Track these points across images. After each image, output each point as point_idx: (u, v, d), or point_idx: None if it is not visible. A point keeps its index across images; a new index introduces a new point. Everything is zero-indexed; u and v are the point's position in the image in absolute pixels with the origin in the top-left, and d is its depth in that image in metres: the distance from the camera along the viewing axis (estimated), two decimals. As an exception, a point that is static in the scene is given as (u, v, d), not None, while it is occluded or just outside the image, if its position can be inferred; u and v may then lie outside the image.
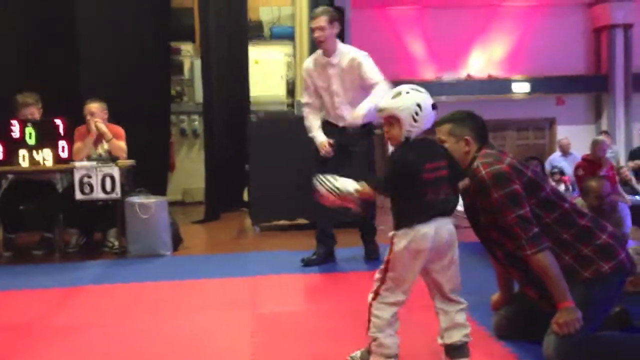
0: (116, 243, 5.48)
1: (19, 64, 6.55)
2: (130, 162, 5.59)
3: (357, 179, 2.68)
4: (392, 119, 2.54)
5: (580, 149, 10.82)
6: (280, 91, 9.05)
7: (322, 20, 4.48)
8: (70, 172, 5.15)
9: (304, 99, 4.80)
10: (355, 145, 4.61)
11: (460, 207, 6.21)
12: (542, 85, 11.90)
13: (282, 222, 6.47)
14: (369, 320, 2.54)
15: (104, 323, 3.50)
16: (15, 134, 5.16)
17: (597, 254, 2.63)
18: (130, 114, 6.57)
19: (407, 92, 2.54)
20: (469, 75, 11.95)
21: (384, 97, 4.34)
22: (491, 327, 3.01)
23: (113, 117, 5.77)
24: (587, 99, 12.35)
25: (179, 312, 3.67)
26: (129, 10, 7.49)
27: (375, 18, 11.20)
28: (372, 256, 4.80)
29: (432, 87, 12.03)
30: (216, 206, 7.42)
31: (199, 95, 8.68)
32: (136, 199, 5.31)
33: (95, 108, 5.60)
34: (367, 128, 4.66)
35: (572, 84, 11.94)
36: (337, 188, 2.61)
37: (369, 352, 2.58)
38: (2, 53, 6.54)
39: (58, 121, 5.21)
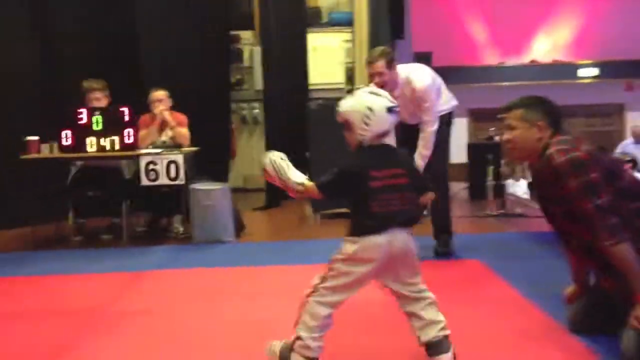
0: (181, 229, 5.58)
1: (84, 55, 6.68)
2: (194, 149, 5.66)
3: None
4: (346, 123, 2.46)
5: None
6: (339, 77, 8.98)
7: (380, 66, 4.29)
8: (136, 158, 5.24)
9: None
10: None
11: (526, 195, 6.03)
12: (609, 70, 11.47)
13: (342, 209, 6.43)
14: (300, 316, 2.45)
15: (169, 307, 3.55)
16: (83, 121, 5.28)
17: (679, 246, 2.50)
18: (192, 102, 6.64)
19: (359, 96, 2.45)
20: (533, 60, 11.62)
21: (428, 145, 4.34)
22: (564, 321, 2.91)
23: (176, 106, 5.84)
24: (657, 84, 11.85)
25: (242, 298, 3.69)
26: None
27: (436, 2, 11.01)
28: (438, 249, 4.64)
29: (494, 73, 11.89)
30: (277, 193, 7.44)
31: (258, 83, 8.70)
32: (200, 186, 5.37)
33: (160, 96, 5.70)
34: (445, 117, 4.59)
35: (642, 69, 11.48)
36: (284, 175, 2.52)
37: (290, 348, 2.48)
38: (68, 45, 6.68)
39: (124, 109, 5.30)
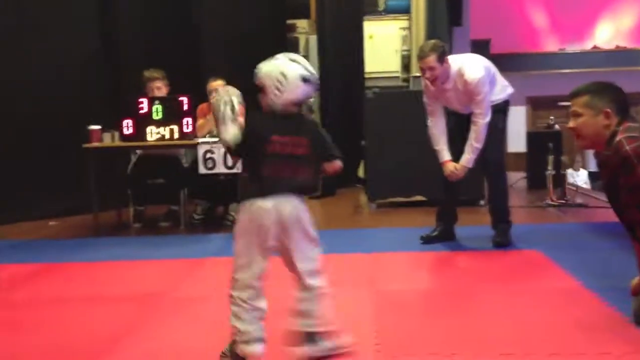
0: (237, 216, 5.62)
1: (143, 44, 6.81)
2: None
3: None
4: (261, 87, 2.38)
5: None
6: (395, 66, 8.90)
7: (431, 61, 4.21)
8: (194, 147, 5.32)
9: (427, 106, 4.59)
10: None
11: (586, 184, 5.86)
12: (676, 55, 11.03)
13: (397, 199, 6.40)
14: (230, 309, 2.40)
15: (226, 294, 3.58)
16: (143, 110, 5.38)
17: None
18: (249, 91, 6.68)
19: (277, 61, 2.37)
20: (595, 46, 11.28)
21: (480, 139, 4.28)
22: (630, 313, 2.82)
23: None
24: None
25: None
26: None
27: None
28: (496, 239, 4.52)
29: (555, 59, 11.58)
30: (332, 182, 7.45)
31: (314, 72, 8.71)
32: (256, 174, 5.40)
33: (218, 85, 5.73)
34: (500, 106, 4.51)
35: None
36: (225, 120, 2.37)
37: (233, 342, 2.43)
38: (128, 34, 6.82)
39: (183, 98, 5.38)
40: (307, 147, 2.39)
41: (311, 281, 2.44)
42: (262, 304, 2.42)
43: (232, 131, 2.38)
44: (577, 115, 2.67)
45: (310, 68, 2.41)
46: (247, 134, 2.37)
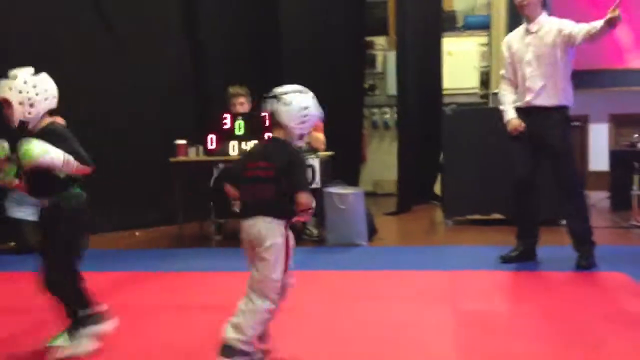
0: (315, 231, 5.72)
1: (227, 60, 7.03)
2: (329, 153, 5.80)
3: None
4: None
5: None
6: (474, 82, 8.86)
7: None
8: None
9: (502, 71, 4.70)
10: (547, 134, 4.37)
11: None
12: None
13: (475, 216, 6.35)
14: None
15: (304, 307, 3.63)
16: (227, 126, 5.57)
17: None
18: (326, 106, 6.79)
19: (299, 93, 2.70)
20: (683, 63, 10.85)
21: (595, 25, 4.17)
22: None
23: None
24: None
25: (378, 301, 3.74)
26: (325, 6, 7.75)
27: (576, 4, 10.56)
28: (580, 262, 4.39)
29: (639, 76, 11.14)
30: (408, 198, 7.46)
31: (390, 88, 8.76)
32: (334, 190, 5.50)
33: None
34: (561, 112, 4.42)
35: None
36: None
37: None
38: (215, 53, 7.07)
39: (264, 114, 5.48)
40: (270, 170, 2.60)
41: (251, 295, 2.63)
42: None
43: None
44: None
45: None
46: (227, 170, 2.82)
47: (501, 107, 4.59)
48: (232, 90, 5.92)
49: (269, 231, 2.57)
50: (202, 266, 4.88)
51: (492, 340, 3.01)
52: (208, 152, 5.59)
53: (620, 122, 10.98)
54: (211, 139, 5.55)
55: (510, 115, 4.50)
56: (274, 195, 2.57)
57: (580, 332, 3.10)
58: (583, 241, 4.46)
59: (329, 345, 3.03)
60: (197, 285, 4.32)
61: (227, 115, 5.59)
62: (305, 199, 2.57)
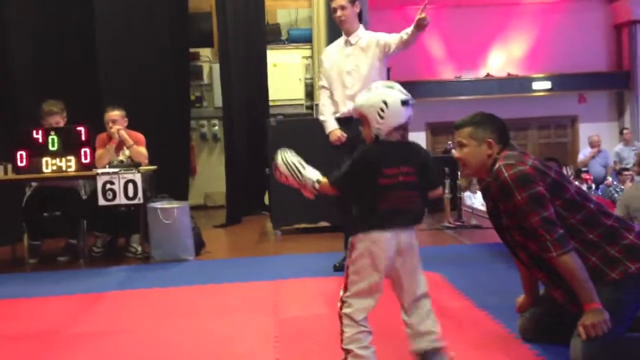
0: (139, 248, 5.52)
1: (38, 70, 6.61)
2: (152, 167, 5.64)
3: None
4: (362, 117, 2.50)
5: (603, 146, 10.77)
6: (299, 94, 9.07)
7: (343, 0, 4.53)
8: (93, 178, 5.19)
9: (321, 81, 4.82)
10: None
11: (483, 206, 6.16)
12: (563, 82, 11.78)
13: (303, 225, 6.47)
14: (342, 332, 2.44)
15: (128, 329, 3.52)
16: (39, 141, 5.22)
17: (624, 255, 2.59)
18: (151, 119, 6.63)
19: (376, 88, 2.49)
20: (488, 74, 11.88)
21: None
22: (516, 330, 2.98)
23: (133, 124, 5.81)
24: (609, 96, 12.21)
25: (202, 316, 3.68)
26: (146, 16, 7.55)
27: (393, 18, 11.15)
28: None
29: (451, 87, 12.07)
30: (237, 210, 7.45)
31: (218, 100, 8.72)
32: (158, 204, 5.35)
33: (115, 116, 5.65)
34: None
35: (594, 81, 11.81)
36: (300, 173, 2.52)
37: None
38: (22, 62, 6.61)
39: (80, 128, 5.27)
40: (415, 175, 2.46)
41: (416, 302, 2.50)
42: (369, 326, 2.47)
43: (312, 172, 2.54)
44: (462, 145, 2.81)
45: (405, 91, 2.49)
46: (355, 167, 2.44)
47: (322, 118, 4.71)
48: (47, 107, 5.53)
49: (415, 238, 2.51)
50: (14, 292, 4.52)
51: (313, 346, 3.06)
52: (18, 169, 5.21)
53: (435, 130, 11.79)
54: (21, 155, 5.17)
55: (332, 126, 4.64)
56: (421, 201, 2.50)
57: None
58: None
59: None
60: (6, 314, 3.99)
61: (39, 130, 5.25)
62: (442, 191, 2.60)
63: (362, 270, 2.42)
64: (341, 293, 2.47)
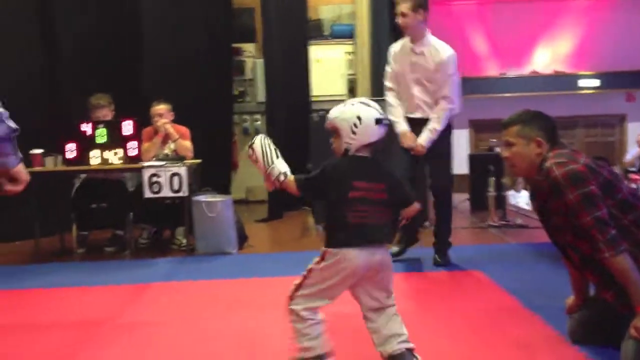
0: (184, 241, 5.59)
1: (87, 65, 6.73)
2: (197, 161, 5.70)
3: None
4: (334, 129, 2.48)
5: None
6: (341, 89, 9.04)
7: (404, 7, 4.41)
8: (139, 171, 5.28)
9: (387, 83, 4.75)
10: (435, 145, 4.53)
11: (528, 205, 6.05)
12: (610, 80, 11.48)
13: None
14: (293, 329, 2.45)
15: (172, 320, 3.57)
16: (87, 134, 5.32)
17: (678, 256, 2.52)
18: (195, 114, 6.68)
19: (352, 104, 2.48)
20: (533, 71, 11.65)
21: (441, 122, 4.39)
22: (565, 332, 2.93)
23: (178, 118, 5.88)
24: (658, 95, 11.88)
25: (246, 309, 3.71)
26: (192, 12, 7.61)
27: (437, 14, 11.05)
28: (438, 260, 4.65)
29: (495, 84, 11.88)
30: (279, 205, 7.47)
31: (260, 95, 8.75)
32: (203, 198, 5.40)
33: (162, 110, 5.73)
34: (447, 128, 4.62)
35: (643, 79, 11.50)
36: (272, 160, 2.50)
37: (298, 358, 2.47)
38: (72, 56, 6.74)
39: (128, 122, 5.35)
40: (385, 192, 2.46)
41: (380, 305, 2.49)
42: (320, 316, 2.47)
43: (282, 165, 2.50)
44: (510, 144, 2.76)
45: (381, 110, 2.50)
46: (325, 175, 2.44)
47: (392, 118, 4.58)
48: (95, 101, 5.64)
49: (388, 255, 2.50)
50: (61, 282, 4.62)
51: (344, 341, 3.05)
52: (67, 161, 5.32)
53: (479, 128, 11.63)
54: (70, 147, 5.28)
55: (402, 128, 4.58)
56: (390, 218, 2.50)
57: (436, 327, 3.23)
58: (444, 242, 4.71)
59: (194, 358, 2.95)
60: (52, 303, 4.08)
61: (88, 123, 5.35)
62: (418, 207, 2.63)
63: (325, 281, 2.42)
64: (292, 289, 2.47)
